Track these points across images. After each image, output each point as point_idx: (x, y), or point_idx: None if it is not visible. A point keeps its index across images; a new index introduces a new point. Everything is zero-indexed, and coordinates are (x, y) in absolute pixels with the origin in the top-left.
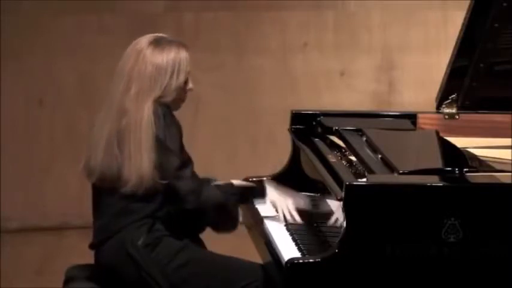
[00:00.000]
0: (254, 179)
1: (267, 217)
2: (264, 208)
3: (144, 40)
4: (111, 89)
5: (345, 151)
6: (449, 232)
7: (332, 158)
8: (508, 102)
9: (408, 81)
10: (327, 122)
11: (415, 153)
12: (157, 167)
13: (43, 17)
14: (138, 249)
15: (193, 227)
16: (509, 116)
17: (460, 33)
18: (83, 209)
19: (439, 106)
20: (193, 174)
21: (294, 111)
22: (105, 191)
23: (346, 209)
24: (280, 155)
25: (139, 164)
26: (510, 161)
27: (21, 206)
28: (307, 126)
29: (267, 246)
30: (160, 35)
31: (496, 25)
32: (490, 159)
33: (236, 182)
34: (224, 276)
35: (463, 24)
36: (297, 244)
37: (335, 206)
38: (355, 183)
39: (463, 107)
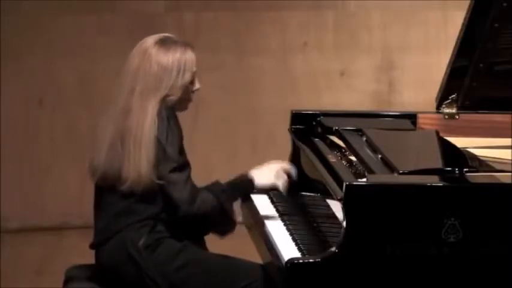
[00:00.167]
0: None
1: (267, 217)
2: (262, 206)
3: (149, 40)
4: (116, 89)
5: (345, 151)
6: (449, 232)
7: (332, 158)
8: (508, 102)
9: (408, 81)
10: (327, 122)
11: (415, 153)
12: (155, 167)
13: (43, 17)
14: (138, 250)
15: (194, 230)
16: (509, 116)
17: (460, 33)
18: (83, 209)
19: (439, 106)
20: (190, 181)
21: (294, 111)
22: (107, 189)
23: (346, 209)
24: (280, 155)
25: (138, 162)
26: (510, 161)
27: (21, 206)
28: (307, 126)
29: (267, 246)
30: (166, 34)
31: (496, 25)
32: (490, 159)
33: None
34: (224, 276)
35: (463, 24)
36: (297, 244)
37: (335, 206)
38: (355, 183)
39: (463, 107)
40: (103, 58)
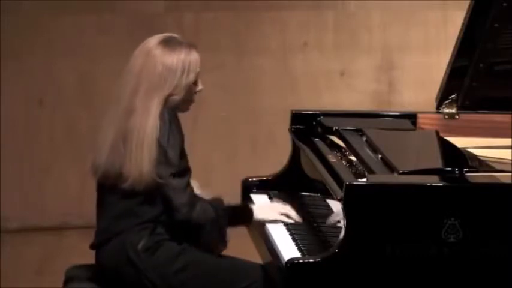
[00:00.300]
0: (254, 179)
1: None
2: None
3: (153, 40)
4: (117, 89)
5: (345, 151)
6: (449, 232)
7: (332, 158)
8: (508, 102)
9: (408, 81)
10: (327, 122)
11: (415, 153)
12: (156, 167)
13: (43, 17)
14: (138, 253)
15: (190, 236)
16: (509, 116)
17: (460, 33)
18: (83, 209)
19: (439, 106)
20: (190, 187)
21: (294, 111)
22: (108, 188)
23: (346, 209)
24: (280, 155)
25: (140, 161)
26: (510, 161)
27: (21, 206)
28: (307, 126)
29: (267, 246)
30: (170, 35)
31: (496, 25)
32: (490, 159)
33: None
34: (224, 278)
35: (463, 24)
36: (297, 244)
37: (335, 206)
38: (355, 183)
39: (463, 107)
40: (103, 58)
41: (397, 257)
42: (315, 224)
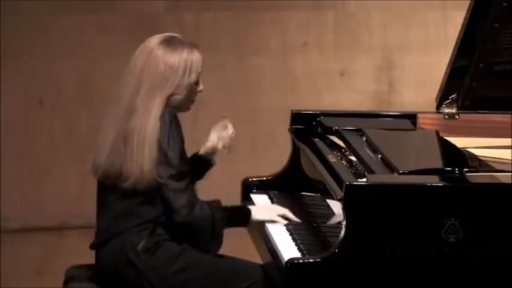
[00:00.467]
0: (254, 179)
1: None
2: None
3: (154, 40)
4: (118, 89)
5: (345, 151)
6: (449, 232)
7: (332, 158)
8: (508, 102)
9: (408, 81)
10: (327, 122)
11: (415, 153)
12: (156, 167)
13: (43, 17)
14: (137, 254)
15: (188, 237)
16: (509, 116)
17: (460, 33)
18: (83, 209)
19: (439, 106)
20: (189, 189)
21: (294, 111)
22: (109, 188)
23: (346, 209)
24: (280, 155)
25: (141, 160)
26: (510, 161)
27: (21, 206)
28: (307, 126)
29: (267, 246)
30: (171, 34)
31: (496, 25)
32: (490, 159)
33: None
34: (224, 278)
35: (463, 24)
36: (297, 244)
37: (335, 206)
38: (355, 183)
39: (463, 107)
40: (103, 58)
41: (397, 257)
42: (315, 224)
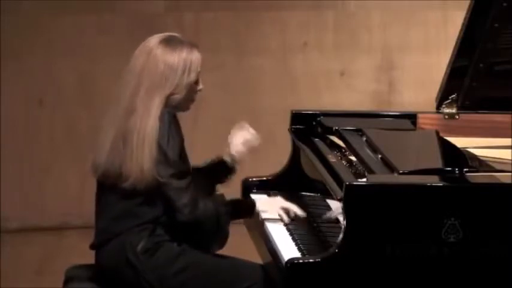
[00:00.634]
0: (254, 179)
1: (267, 219)
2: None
3: (154, 40)
4: (118, 89)
5: (345, 151)
6: (449, 232)
7: (332, 158)
8: (508, 102)
9: (408, 81)
10: (327, 122)
11: (415, 153)
12: (156, 166)
13: (43, 17)
14: (137, 256)
15: (190, 236)
16: (509, 116)
17: (460, 33)
18: (83, 209)
19: (439, 106)
20: (191, 187)
21: (294, 111)
22: (108, 188)
23: (346, 209)
24: (280, 155)
25: (141, 160)
26: (510, 161)
27: (21, 206)
28: (307, 126)
29: (267, 246)
30: (170, 34)
31: (496, 25)
32: (490, 159)
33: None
34: (224, 278)
35: (463, 24)
36: (297, 244)
37: (335, 206)
38: (355, 183)
39: (463, 107)
40: (103, 58)
41: (397, 257)
42: (315, 224)
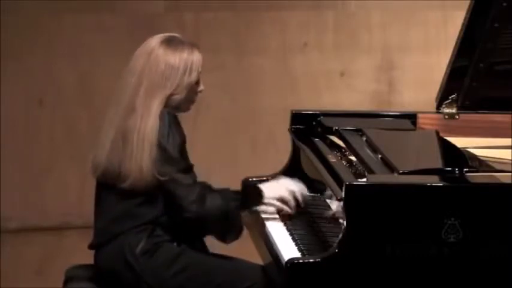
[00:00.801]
0: (254, 179)
1: (267, 217)
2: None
3: (154, 40)
4: (118, 88)
5: (345, 151)
6: (449, 232)
7: (332, 158)
8: (508, 102)
9: (408, 81)
10: (327, 122)
11: (415, 153)
12: (157, 167)
13: (43, 17)
14: (136, 257)
15: (196, 233)
16: (509, 116)
17: (460, 33)
18: (83, 209)
19: (439, 106)
20: (197, 182)
21: (294, 111)
22: (108, 188)
23: (346, 209)
24: (280, 155)
25: (140, 159)
26: (510, 161)
27: (21, 206)
28: (307, 126)
29: (267, 246)
30: (171, 34)
31: (496, 25)
32: (490, 159)
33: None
34: (224, 279)
35: (463, 24)
36: (297, 244)
37: (335, 206)
38: (355, 183)
39: (463, 107)
40: (103, 58)
41: (397, 257)
42: (314, 224)
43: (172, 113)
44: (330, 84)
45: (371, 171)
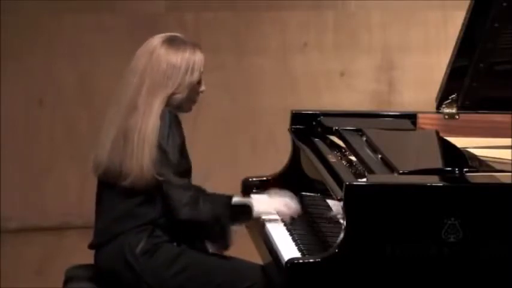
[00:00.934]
0: (254, 179)
1: (267, 219)
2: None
3: (156, 40)
4: (119, 88)
5: (345, 151)
6: (449, 232)
7: (332, 158)
8: (508, 102)
9: (408, 81)
10: (327, 122)
11: (415, 153)
12: (156, 167)
13: (43, 17)
14: (136, 257)
15: (193, 235)
16: (509, 116)
17: (460, 33)
18: (83, 209)
19: (439, 106)
20: (191, 186)
21: (294, 111)
22: (108, 186)
23: (346, 209)
24: (280, 155)
25: (141, 158)
26: (510, 161)
27: (21, 206)
28: (307, 126)
29: (267, 246)
30: (173, 34)
31: (496, 25)
32: (490, 159)
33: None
34: (224, 279)
35: (463, 24)
36: (297, 244)
37: (335, 206)
38: (355, 183)
39: (463, 107)
40: (103, 58)
41: (397, 257)
42: (314, 224)
43: (174, 112)
44: (330, 84)
45: (371, 171)
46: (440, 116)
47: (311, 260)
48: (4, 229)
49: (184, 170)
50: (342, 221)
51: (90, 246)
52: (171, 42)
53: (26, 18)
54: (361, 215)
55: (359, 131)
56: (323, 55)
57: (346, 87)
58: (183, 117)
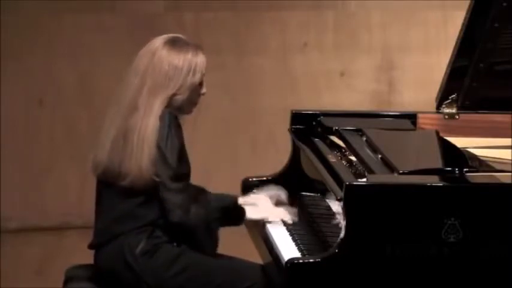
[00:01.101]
0: (254, 179)
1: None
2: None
3: (158, 41)
4: (120, 88)
5: (345, 151)
6: (449, 232)
7: (332, 158)
8: (508, 102)
9: (408, 81)
10: (327, 122)
11: (415, 153)
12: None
13: (43, 17)
14: (135, 258)
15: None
16: (509, 116)
17: (460, 33)
18: (83, 209)
19: (439, 106)
20: (186, 191)
21: (294, 111)
22: (108, 186)
23: (346, 209)
24: (280, 155)
25: (140, 158)
26: (510, 161)
27: (21, 206)
28: (307, 126)
29: (267, 246)
30: (175, 35)
31: (496, 25)
32: (490, 159)
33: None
34: (224, 279)
35: (463, 24)
36: (297, 244)
37: (335, 206)
38: (355, 183)
39: (463, 107)
40: (103, 58)
41: (397, 257)
42: (314, 224)
43: (174, 113)
44: (330, 84)
45: (371, 171)
46: (440, 116)
47: (311, 260)
48: (4, 229)
49: (182, 173)
50: (342, 221)
51: (90, 246)
52: (174, 43)
53: (26, 18)
54: (361, 215)
55: (359, 131)
56: (323, 55)
57: (346, 87)
58: (183, 117)
